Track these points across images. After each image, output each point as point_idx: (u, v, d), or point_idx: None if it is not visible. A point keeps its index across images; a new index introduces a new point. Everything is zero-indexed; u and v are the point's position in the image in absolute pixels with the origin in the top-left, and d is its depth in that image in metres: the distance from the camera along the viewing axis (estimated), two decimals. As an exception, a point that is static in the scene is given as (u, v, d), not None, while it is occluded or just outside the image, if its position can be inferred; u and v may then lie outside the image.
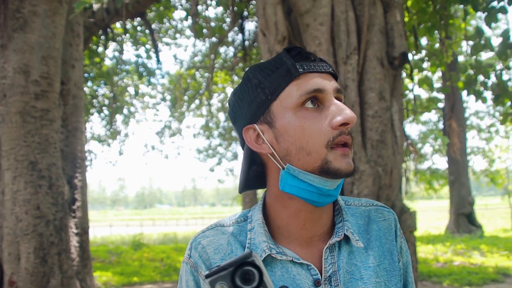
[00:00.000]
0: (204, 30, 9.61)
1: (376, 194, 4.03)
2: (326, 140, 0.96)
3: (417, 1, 6.41)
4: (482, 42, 6.23)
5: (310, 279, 1.02)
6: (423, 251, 12.42)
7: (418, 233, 18.32)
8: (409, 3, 6.41)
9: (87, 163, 14.92)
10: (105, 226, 29.81)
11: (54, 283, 4.42)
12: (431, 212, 39.31)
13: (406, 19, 6.42)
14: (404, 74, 8.53)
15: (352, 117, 0.95)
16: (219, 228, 1.11)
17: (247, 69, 1.05)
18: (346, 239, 1.06)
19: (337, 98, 1.00)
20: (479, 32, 6.20)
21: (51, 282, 4.40)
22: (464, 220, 16.79)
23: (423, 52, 8.44)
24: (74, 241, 5.20)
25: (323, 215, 1.05)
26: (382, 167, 4.07)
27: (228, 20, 9.71)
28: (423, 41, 8.63)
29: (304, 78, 0.99)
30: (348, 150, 0.98)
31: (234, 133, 16.51)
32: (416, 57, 8.60)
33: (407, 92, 8.92)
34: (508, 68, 6.88)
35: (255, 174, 1.11)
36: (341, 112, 0.96)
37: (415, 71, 8.86)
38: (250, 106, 1.04)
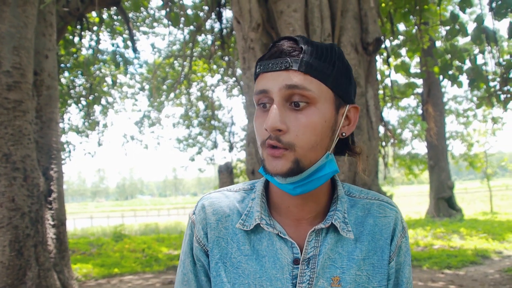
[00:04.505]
0: (182, 19, 9.53)
1: (352, 179, 4.06)
2: (261, 140, 1.01)
3: (392, -13, 6.44)
4: (457, 27, 6.27)
5: (290, 256, 1.06)
6: (404, 235, 12.57)
7: (398, 218, 18.54)
8: (384, -11, 6.43)
9: (65, 154, 14.83)
10: (85, 218, 29.60)
11: (30, 275, 4.38)
12: (411, 197, 39.78)
13: (382, 5, 6.44)
14: (380, 60, 8.58)
15: (269, 126, 0.95)
16: (225, 192, 1.18)
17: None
18: (335, 227, 1.07)
19: (294, 96, 0.98)
20: (454, 17, 6.24)
21: (28, 274, 4.36)
22: (444, 204, 17.03)
23: (400, 38, 8.48)
24: (51, 233, 5.15)
25: (309, 202, 1.08)
26: (358, 152, 4.09)
27: (206, 8, 9.63)
28: (400, 27, 8.67)
29: (259, 78, 1.03)
30: (277, 152, 0.98)
31: (213, 122, 16.47)
32: (393, 43, 8.64)
33: (384, 78, 8.98)
34: (483, 52, 6.95)
35: None
36: (267, 119, 0.97)
37: (392, 57, 8.91)
38: None
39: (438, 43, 12.23)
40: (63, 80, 12.50)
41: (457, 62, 6.77)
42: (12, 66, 4.53)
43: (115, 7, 9.88)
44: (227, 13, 10.46)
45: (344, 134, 1.08)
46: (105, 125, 16.33)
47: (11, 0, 4.57)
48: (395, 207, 1.16)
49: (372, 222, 1.11)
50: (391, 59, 8.61)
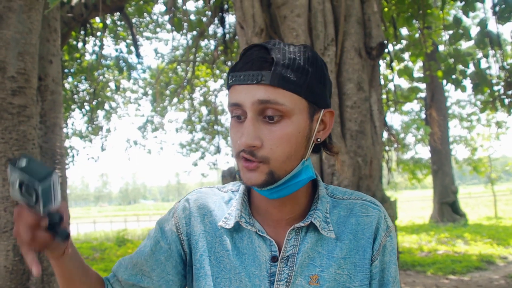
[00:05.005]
0: (185, 24, 9.55)
1: (356, 184, 4.05)
2: (235, 152, 1.02)
3: (395, -9, 6.44)
4: (461, 31, 6.27)
5: (269, 254, 1.09)
6: (408, 240, 12.54)
7: (402, 223, 18.51)
8: (387, -6, 6.44)
9: (69, 159, 14.84)
10: (88, 223, 29.58)
11: (34, 280, 4.38)
12: (415, 202, 39.66)
13: (385, 9, 6.45)
14: (384, 65, 8.58)
15: (242, 143, 0.98)
16: (215, 190, 1.24)
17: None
18: (316, 226, 1.09)
19: (267, 110, 0.98)
20: (457, 21, 6.24)
21: (31, 279, 4.36)
22: (448, 209, 16.97)
23: (403, 42, 8.48)
24: (55, 238, 5.15)
25: (288, 204, 1.10)
26: (362, 157, 4.09)
27: (209, 13, 9.66)
28: (403, 31, 8.67)
29: (231, 90, 1.03)
30: (251, 165, 1.00)
31: (216, 127, 16.46)
32: (396, 48, 8.64)
33: (387, 82, 8.97)
34: (486, 56, 6.94)
35: None
36: (241, 135, 0.99)
37: (395, 61, 8.90)
38: None
39: (441, 47, 12.23)
40: (66, 85, 12.54)
41: (460, 66, 6.76)
42: (17, 71, 4.54)
43: (118, 13, 9.92)
44: (230, 18, 10.49)
45: (319, 139, 1.09)
46: (108, 130, 16.35)
47: (17, 6, 4.59)
48: (379, 206, 1.16)
49: (354, 221, 1.12)
50: (394, 64, 8.61)
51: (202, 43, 12.14)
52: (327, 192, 1.17)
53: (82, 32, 10.18)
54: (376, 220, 1.13)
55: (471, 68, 6.67)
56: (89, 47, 12.26)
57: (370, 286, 1.11)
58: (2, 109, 4.43)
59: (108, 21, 11.49)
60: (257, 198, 1.13)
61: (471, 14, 5.84)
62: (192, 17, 9.73)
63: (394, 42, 7.88)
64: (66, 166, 5.70)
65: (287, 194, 1.06)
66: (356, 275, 1.08)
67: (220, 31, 9.61)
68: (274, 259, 1.08)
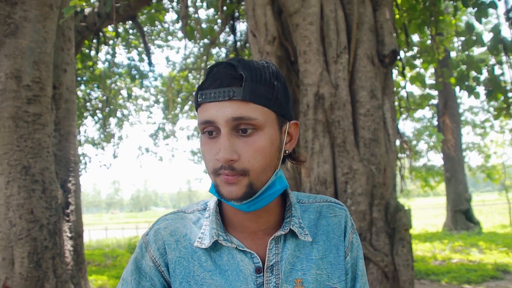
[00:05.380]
0: (196, 32, 9.60)
1: (370, 193, 4.03)
2: (211, 169, 1.03)
3: (407, -1, 6.43)
4: (473, 37, 6.24)
5: (252, 266, 1.10)
6: (421, 249, 12.43)
7: (415, 231, 18.36)
8: (399, 1, 6.43)
9: (81, 166, 14.93)
10: (100, 230, 29.69)
11: (48, 287, 4.41)
12: (428, 210, 39.34)
13: (396, 16, 6.44)
14: (396, 72, 8.56)
15: (221, 158, 0.99)
16: (180, 214, 1.21)
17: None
18: (293, 233, 1.14)
19: (241, 125, 1.01)
20: (469, 27, 6.22)
21: (46, 286, 4.39)
22: (461, 217, 16.81)
23: (415, 49, 8.45)
24: (68, 245, 5.18)
25: (263, 215, 1.13)
26: (376, 165, 4.08)
27: (219, 21, 9.70)
28: (415, 38, 8.65)
29: (202, 108, 1.04)
30: (230, 179, 1.01)
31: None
32: (408, 54, 8.62)
33: (399, 89, 8.94)
34: (500, 63, 6.90)
35: None
36: (218, 151, 1.00)
37: (407, 68, 8.88)
38: None
39: (453, 54, 12.18)
40: (79, 93, 12.65)
41: (473, 73, 6.72)
42: (32, 80, 4.60)
43: (130, 21, 10.00)
44: (241, 26, 10.53)
45: (287, 151, 1.13)
46: (120, 138, 16.44)
47: (32, 16, 4.65)
48: (343, 206, 1.24)
49: (325, 223, 1.19)
50: (406, 71, 8.58)
51: (213, 51, 12.18)
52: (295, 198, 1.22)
53: (95, 41, 10.28)
54: (344, 219, 1.21)
55: (484, 75, 6.63)
56: (101, 55, 12.39)
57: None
58: (18, 117, 4.49)
59: (121, 30, 11.60)
60: (230, 213, 1.14)
61: (483, 20, 5.81)
62: (204, 25, 9.78)
63: (406, 49, 7.86)
64: (79, 174, 5.74)
65: (264, 206, 1.09)
66: (333, 273, 1.15)
67: (231, 39, 9.64)
68: (258, 270, 1.10)
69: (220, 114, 1.00)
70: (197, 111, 1.07)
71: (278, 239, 1.13)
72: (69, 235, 5.27)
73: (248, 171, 1.01)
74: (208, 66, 1.08)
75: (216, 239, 1.11)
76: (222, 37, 10.33)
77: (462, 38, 6.48)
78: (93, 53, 11.24)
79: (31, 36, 4.63)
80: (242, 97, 0.99)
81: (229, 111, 0.99)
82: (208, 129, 1.03)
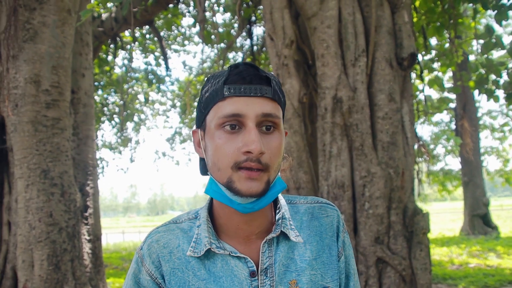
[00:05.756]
0: (212, 36, 9.63)
1: (388, 196, 4.00)
2: (232, 162, 1.03)
3: (426, 1, 6.38)
4: (493, 40, 6.18)
5: (246, 270, 1.11)
6: (438, 253, 12.30)
7: (432, 235, 18.18)
8: (417, 3, 6.39)
9: (99, 170, 15.04)
10: (117, 233, 29.87)
11: (67, 290, 4.43)
12: (445, 214, 38.95)
13: (414, 19, 6.40)
14: (414, 75, 8.51)
15: (255, 148, 0.99)
16: (171, 225, 1.22)
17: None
18: (285, 235, 1.15)
19: (265, 122, 1.04)
20: (489, 30, 6.15)
21: (65, 289, 4.42)
22: (479, 221, 16.60)
23: (433, 52, 8.38)
24: (86, 247, 5.22)
25: (258, 218, 1.14)
26: (394, 169, 4.04)
27: (236, 25, 9.72)
28: (433, 41, 8.58)
29: (227, 101, 1.04)
30: (255, 174, 1.02)
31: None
32: (426, 58, 8.55)
33: (417, 93, 8.87)
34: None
35: (204, 167, 1.20)
36: (249, 141, 1.01)
37: (425, 71, 8.81)
38: (198, 112, 1.14)
39: (472, 57, 12.06)
40: (96, 98, 12.76)
41: (493, 76, 6.65)
42: (51, 84, 4.64)
43: (147, 26, 10.07)
44: (257, 30, 10.54)
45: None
46: (137, 142, 16.57)
47: (50, 21, 4.70)
48: (334, 206, 1.26)
49: (317, 224, 1.20)
50: (424, 74, 8.52)
51: (230, 55, 12.22)
52: (285, 200, 1.23)
53: (112, 46, 10.37)
54: (336, 219, 1.22)
55: (504, 78, 6.55)
56: (119, 60, 12.52)
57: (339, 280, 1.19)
58: (37, 121, 4.53)
59: (138, 35, 11.68)
60: (224, 219, 1.15)
61: (503, 22, 5.74)
62: (220, 29, 9.81)
63: (424, 52, 7.80)
64: (97, 177, 5.78)
65: (266, 205, 1.09)
66: (327, 272, 1.16)
67: (247, 43, 9.67)
68: (253, 274, 1.11)
69: (251, 109, 1.02)
70: (211, 106, 1.07)
71: (270, 241, 1.14)
72: (88, 238, 5.31)
73: (269, 168, 1.03)
74: (232, 64, 1.08)
75: (209, 247, 1.11)
76: (239, 41, 10.37)
77: (482, 41, 6.41)
78: (110, 58, 11.34)
79: (50, 41, 4.68)
80: (271, 95, 1.05)
81: (259, 107, 1.03)
82: (232, 123, 1.03)
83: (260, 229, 1.15)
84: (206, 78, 1.14)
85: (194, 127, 1.18)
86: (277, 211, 1.18)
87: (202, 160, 1.18)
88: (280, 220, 1.15)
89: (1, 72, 4.70)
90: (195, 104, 15.03)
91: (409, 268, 3.93)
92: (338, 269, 1.18)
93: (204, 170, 1.20)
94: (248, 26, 8.59)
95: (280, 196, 1.21)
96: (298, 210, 1.22)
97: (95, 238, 5.45)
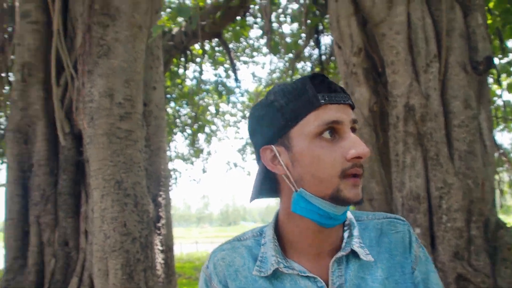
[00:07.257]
0: (280, 47, 9.65)
1: (467, 208, 3.81)
2: (339, 170, 1.01)
3: (500, 2, 6.08)
4: None
5: None
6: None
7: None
8: (491, 5, 6.10)
9: (172, 181, 15.41)
10: (191, 243, 30.46)
11: (140, 299, 4.53)
12: (528, 226, 36.78)
13: (489, 21, 6.11)
14: (491, 80, 8.13)
15: (366, 151, 0.99)
16: (235, 242, 1.21)
17: (270, 89, 1.12)
18: (355, 253, 1.10)
19: (353, 128, 1.05)
20: None
21: (138, 298, 4.52)
22: None
23: (510, 55, 7.98)
24: (159, 258, 5.32)
25: (332, 234, 1.11)
26: (472, 179, 3.85)
27: (303, 35, 9.70)
28: (510, 43, 8.17)
29: (323, 109, 1.03)
30: (358, 181, 1.02)
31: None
32: (503, 61, 8.15)
33: (495, 98, 8.47)
34: None
35: (267, 188, 1.18)
36: (356, 145, 1.00)
37: (503, 75, 8.40)
38: (269, 128, 1.08)
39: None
40: (169, 110, 13.10)
41: None
42: (124, 98, 4.79)
43: (216, 39, 10.25)
44: (325, 40, 10.46)
45: None
46: (209, 153, 16.83)
47: (123, 37, 4.86)
48: (405, 220, 1.19)
49: (387, 240, 1.14)
50: (501, 78, 8.12)
51: (298, 65, 12.20)
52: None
53: (182, 59, 10.63)
54: (407, 235, 1.16)
55: None
56: (189, 73, 12.79)
57: None
58: (111, 133, 4.69)
59: (207, 47, 11.91)
60: (298, 236, 1.11)
61: None
62: (288, 39, 9.82)
63: (501, 55, 7.45)
64: (170, 188, 5.89)
65: (342, 222, 1.09)
66: None
67: (316, 52, 9.61)
68: None
69: (346, 115, 1.03)
70: (303, 116, 1.04)
71: (340, 260, 1.10)
72: (160, 248, 5.41)
73: (363, 174, 1.04)
74: (307, 76, 1.07)
75: (276, 267, 1.08)
76: (306, 51, 10.32)
77: None
78: (181, 71, 11.62)
79: (122, 56, 4.84)
80: (351, 102, 1.07)
81: (350, 113, 1.05)
82: (330, 129, 1.02)
83: (332, 247, 1.11)
84: (271, 93, 1.10)
85: (263, 145, 1.11)
86: (345, 228, 1.14)
87: (267, 180, 1.15)
88: (349, 238, 1.11)
89: (77, 86, 4.91)
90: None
91: (493, 286, 3.69)
92: (413, 286, 1.12)
93: (272, 190, 1.18)
94: (315, 35, 8.55)
95: (348, 212, 1.16)
96: (366, 226, 1.17)
97: (168, 249, 5.55)
